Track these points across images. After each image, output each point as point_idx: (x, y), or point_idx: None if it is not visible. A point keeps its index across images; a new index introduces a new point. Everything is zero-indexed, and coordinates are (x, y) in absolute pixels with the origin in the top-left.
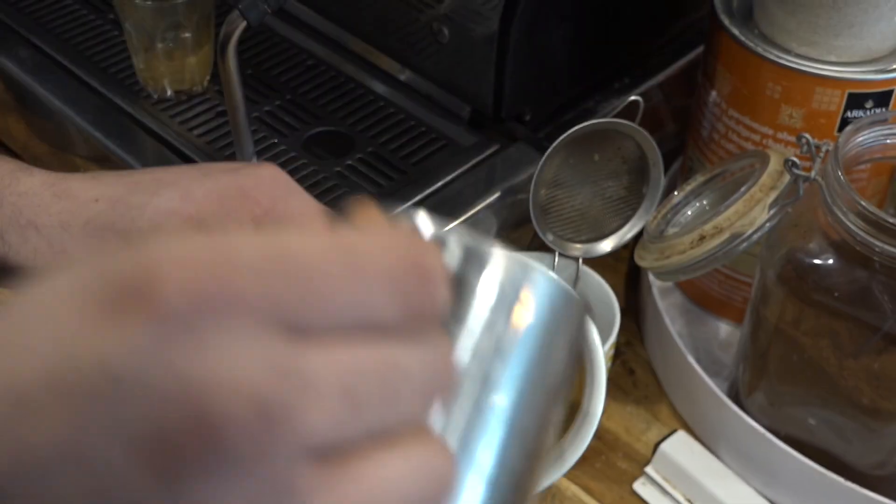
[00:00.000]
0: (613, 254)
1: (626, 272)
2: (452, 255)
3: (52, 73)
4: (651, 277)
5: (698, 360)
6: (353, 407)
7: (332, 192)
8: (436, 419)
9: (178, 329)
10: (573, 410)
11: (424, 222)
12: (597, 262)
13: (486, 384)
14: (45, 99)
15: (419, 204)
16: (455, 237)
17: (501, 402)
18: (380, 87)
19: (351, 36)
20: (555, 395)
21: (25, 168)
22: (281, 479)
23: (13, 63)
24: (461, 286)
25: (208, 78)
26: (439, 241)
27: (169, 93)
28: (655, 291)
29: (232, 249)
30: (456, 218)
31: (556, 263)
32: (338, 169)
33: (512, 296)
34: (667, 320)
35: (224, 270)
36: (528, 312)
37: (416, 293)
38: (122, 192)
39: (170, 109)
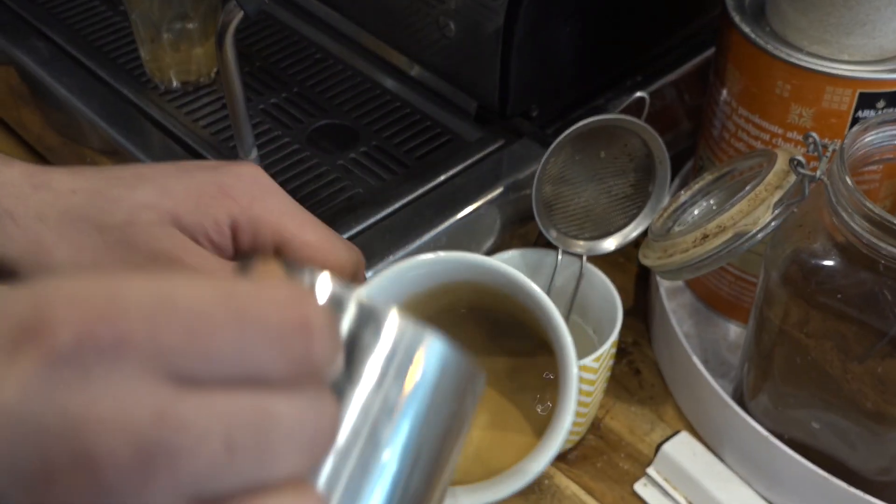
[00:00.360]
0: (623, 253)
1: (636, 272)
2: (349, 315)
3: (64, 64)
4: (659, 277)
5: (706, 362)
6: (230, 452)
7: (334, 185)
8: (323, 476)
9: (66, 368)
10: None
11: (325, 282)
12: (606, 261)
13: (373, 442)
14: (55, 90)
15: (422, 198)
16: (354, 298)
17: (389, 459)
18: (387, 82)
19: (359, 29)
20: (444, 453)
21: (6, 159)
22: None
23: (28, 55)
24: (355, 346)
25: (215, 70)
26: (337, 301)
27: (175, 84)
28: (663, 291)
29: (123, 291)
30: (458, 212)
31: (559, 260)
32: (341, 162)
33: (404, 357)
34: (673, 320)
35: (113, 312)
36: (418, 373)
37: (299, 349)
38: (100, 185)
39: (176, 101)
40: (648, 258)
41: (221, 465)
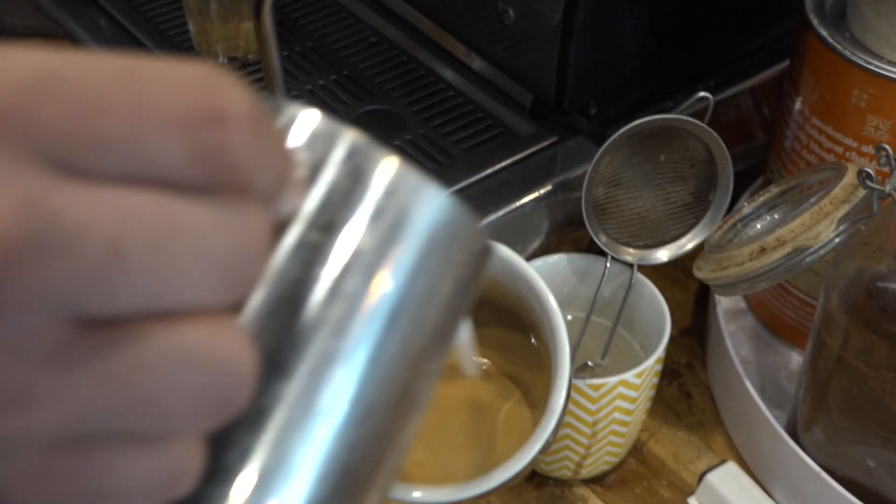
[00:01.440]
0: (683, 268)
1: (695, 289)
2: (325, 143)
3: (115, 34)
4: (716, 295)
5: (762, 390)
6: (116, 258)
7: None
8: (254, 315)
9: None
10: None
11: (310, 117)
12: (663, 276)
13: (338, 300)
14: None
15: (465, 190)
16: (341, 130)
17: (357, 327)
18: (441, 69)
19: (418, 14)
20: (431, 338)
21: None
22: (26, 334)
23: (84, 28)
24: (328, 184)
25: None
26: (310, 128)
27: (222, 59)
28: (721, 312)
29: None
30: (502, 207)
31: (608, 268)
32: None
33: (395, 204)
34: (729, 344)
35: None
36: (414, 228)
37: (206, 142)
38: None
39: None
40: (702, 270)
41: (106, 274)
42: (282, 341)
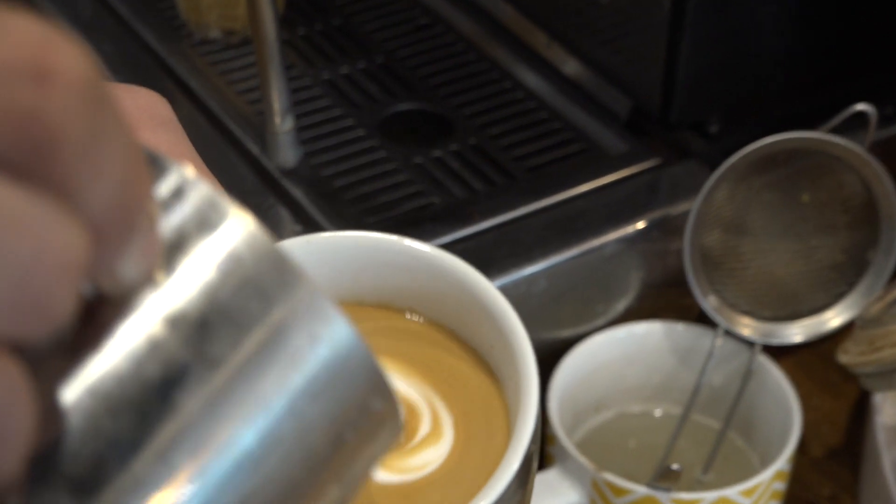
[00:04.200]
0: (837, 367)
1: (854, 397)
2: (205, 211)
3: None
4: (876, 406)
5: None
6: None
7: (403, 189)
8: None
9: None
10: None
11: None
12: (807, 372)
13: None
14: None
15: (524, 220)
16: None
17: (188, 460)
18: (508, 61)
19: None
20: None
21: None
22: None
23: None
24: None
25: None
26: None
27: (215, 33)
28: (879, 426)
29: None
30: (572, 246)
31: (718, 345)
32: (418, 160)
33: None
34: (890, 478)
35: None
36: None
37: (24, 100)
38: None
39: (212, 55)
40: (848, 353)
41: None
42: (86, 449)
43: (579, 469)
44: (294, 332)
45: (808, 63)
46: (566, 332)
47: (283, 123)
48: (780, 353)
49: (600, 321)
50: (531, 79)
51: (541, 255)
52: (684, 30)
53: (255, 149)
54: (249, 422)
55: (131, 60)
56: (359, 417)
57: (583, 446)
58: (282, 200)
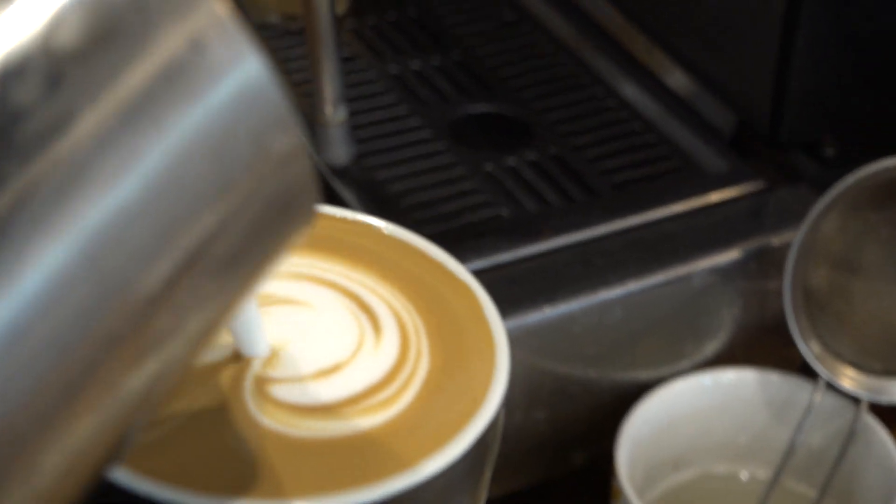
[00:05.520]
0: None
1: None
2: None
3: None
4: None
5: None
6: None
7: (468, 199)
8: None
9: None
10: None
11: None
12: None
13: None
14: None
15: (601, 241)
16: None
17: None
18: (600, 66)
19: None
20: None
21: None
22: None
23: None
24: None
25: (347, 4)
26: None
27: (274, 18)
28: None
29: None
30: (654, 273)
31: (817, 400)
32: (489, 168)
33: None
34: None
35: None
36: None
37: None
38: None
39: (268, 42)
40: None
41: None
42: None
43: None
44: (170, 36)
45: None
46: (643, 374)
47: (334, 114)
48: (889, 413)
49: (684, 364)
50: (626, 86)
51: (617, 280)
52: (798, 37)
53: None
54: (106, 142)
55: None
56: (250, 153)
57: None
58: (329, 202)
